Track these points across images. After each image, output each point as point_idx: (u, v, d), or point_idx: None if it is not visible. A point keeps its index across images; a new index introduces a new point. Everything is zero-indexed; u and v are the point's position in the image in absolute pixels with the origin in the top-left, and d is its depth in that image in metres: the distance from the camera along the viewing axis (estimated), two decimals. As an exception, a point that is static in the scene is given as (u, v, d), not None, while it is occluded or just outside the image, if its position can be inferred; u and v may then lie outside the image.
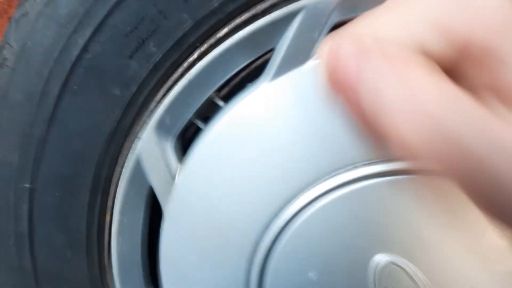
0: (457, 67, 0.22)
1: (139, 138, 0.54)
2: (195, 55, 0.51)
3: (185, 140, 0.59)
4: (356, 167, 0.50)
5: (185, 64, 0.52)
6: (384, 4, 0.24)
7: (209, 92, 0.53)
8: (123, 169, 0.57)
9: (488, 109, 0.20)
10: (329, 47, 0.22)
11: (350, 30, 0.23)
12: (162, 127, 0.54)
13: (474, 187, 0.20)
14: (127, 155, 0.55)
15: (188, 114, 0.54)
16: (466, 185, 0.20)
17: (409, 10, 0.22)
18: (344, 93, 0.22)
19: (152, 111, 0.53)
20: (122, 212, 0.57)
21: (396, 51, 0.21)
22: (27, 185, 0.56)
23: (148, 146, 0.54)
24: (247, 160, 0.53)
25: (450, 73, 0.22)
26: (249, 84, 0.54)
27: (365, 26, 0.23)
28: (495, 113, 0.20)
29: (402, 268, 0.51)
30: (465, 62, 0.22)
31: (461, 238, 0.49)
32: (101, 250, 0.59)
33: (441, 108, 0.19)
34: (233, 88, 0.57)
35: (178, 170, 0.55)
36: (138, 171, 0.56)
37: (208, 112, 0.58)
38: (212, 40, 0.51)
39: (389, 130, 0.20)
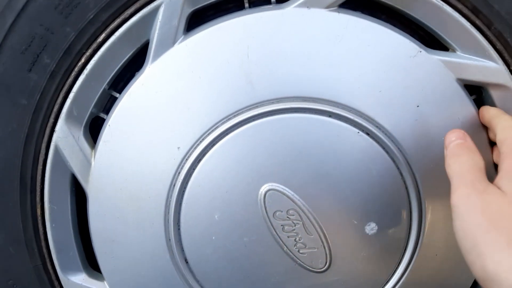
0: None
1: (55, 131, 0.65)
2: (83, 60, 0.64)
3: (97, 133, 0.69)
4: (239, 114, 0.63)
5: (76, 69, 0.64)
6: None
7: (103, 85, 0.65)
8: (46, 165, 0.67)
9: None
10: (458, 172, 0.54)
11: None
12: (70, 118, 0.65)
13: None
14: (45, 153, 0.66)
15: (90, 104, 0.66)
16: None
17: None
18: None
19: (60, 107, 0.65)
20: (51, 201, 0.67)
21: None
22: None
23: (63, 134, 0.65)
24: (144, 133, 0.64)
25: None
26: (136, 73, 0.66)
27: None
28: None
29: (282, 192, 0.64)
30: None
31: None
32: (38, 241, 0.69)
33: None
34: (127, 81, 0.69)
35: (93, 154, 0.66)
36: (59, 162, 0.66)
37: (110, 106, 0.69)
38: (94, 45, 0.63)
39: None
